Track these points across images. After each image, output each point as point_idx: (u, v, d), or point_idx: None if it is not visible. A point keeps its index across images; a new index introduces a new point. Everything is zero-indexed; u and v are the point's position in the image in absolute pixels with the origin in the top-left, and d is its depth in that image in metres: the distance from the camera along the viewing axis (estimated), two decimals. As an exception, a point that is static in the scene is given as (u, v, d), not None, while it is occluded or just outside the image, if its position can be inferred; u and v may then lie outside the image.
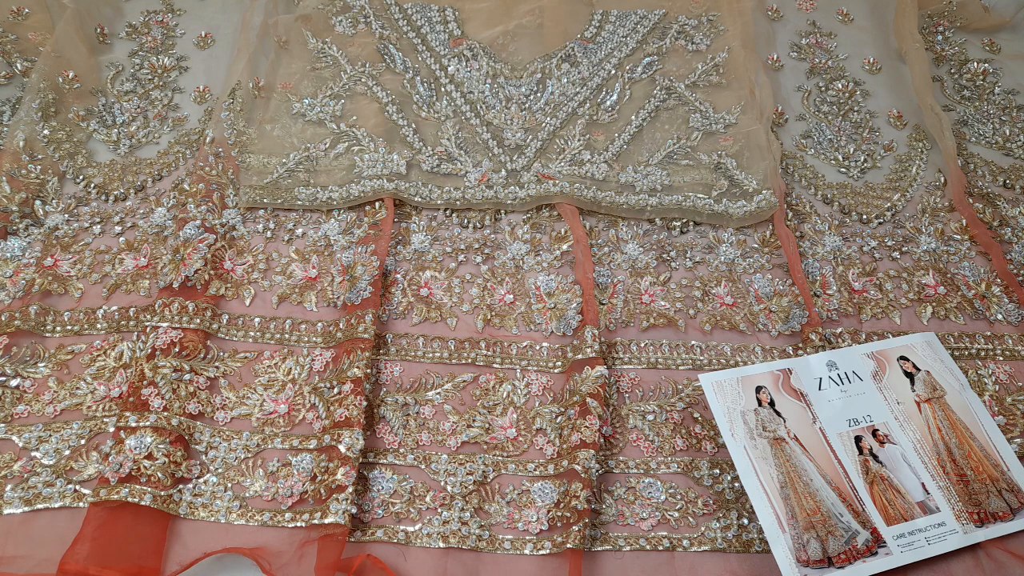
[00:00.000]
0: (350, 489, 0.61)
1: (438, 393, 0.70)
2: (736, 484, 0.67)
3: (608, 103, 0.92)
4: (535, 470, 0.66)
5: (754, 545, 0.64)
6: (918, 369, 0.72)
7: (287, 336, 0.72)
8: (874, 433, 0.68)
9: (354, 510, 0.62)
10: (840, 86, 0.97)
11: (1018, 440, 0.70)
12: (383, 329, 0.74)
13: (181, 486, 0.63)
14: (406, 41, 0.96)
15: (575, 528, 0.61)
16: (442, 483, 0.65)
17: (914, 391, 0.71)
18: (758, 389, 0.69)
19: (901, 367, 0.72)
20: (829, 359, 0.71)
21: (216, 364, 0.70)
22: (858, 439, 0.68)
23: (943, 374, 0.72)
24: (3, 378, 0.68)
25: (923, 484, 0.65)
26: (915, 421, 0.69)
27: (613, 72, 0.95)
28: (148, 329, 0.69)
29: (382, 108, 0.89)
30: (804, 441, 0.67)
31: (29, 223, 0.77)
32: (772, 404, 0.69)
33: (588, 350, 0.70)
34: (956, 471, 0.66)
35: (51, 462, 0.64)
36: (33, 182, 0.78)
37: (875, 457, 0.67)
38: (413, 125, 0.88)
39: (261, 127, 0.84)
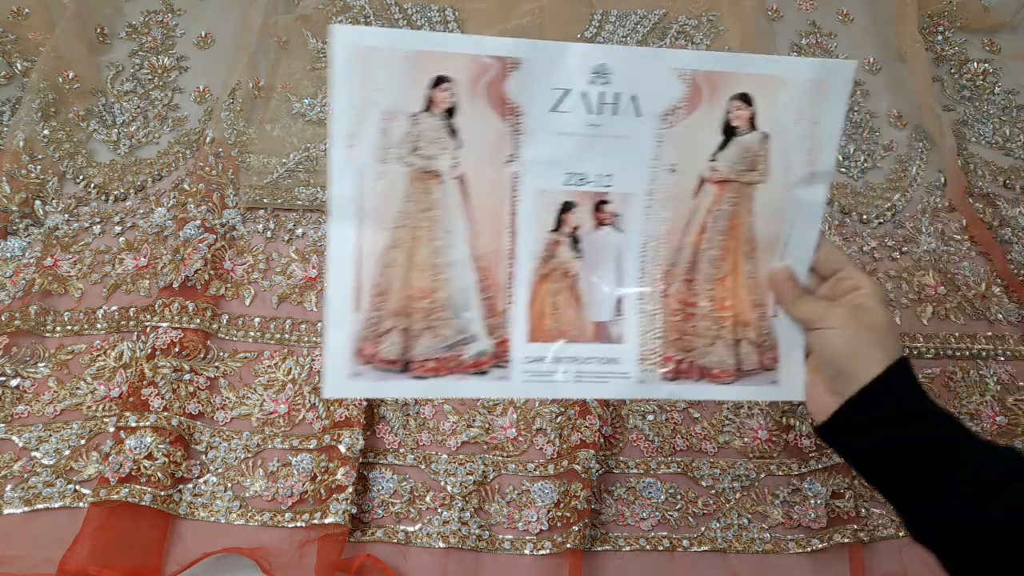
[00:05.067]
0: (350, 489, 0.61)
1: (438, 393, 0.70)
2: (736, 485, 0.66)
3: (608, 102, 0.91)
4: (535, 470, 0.66)
5: (755, 545, 0.64)
6: (755, 127, 0.44)
7: (287, 336, 0.72)
8: (598, 205, 0.43)
9: (354, 510, 0.62)
10: (840, 86, 0.97)
11: (1022, 439, 0.70)
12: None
13: (181, 486, 0.63)
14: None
15: (575, 528, 0.61)
16: (442, 483, 0.65)
17: (715, 158, 0.44)
18: (438, 82, 0.41)
19: (729, 111, 0.43)
20: (603, 63, 0.42)
21: (216, 364, 0.70)
22: (566, 207, 0.43)
23: (793, 150, 0.44)
24: (3, 378, 0.68)
25: (618, 300, 0.44)
26: (678, 206, 0.44)
27: (613, 71, 0.95)
28: (148, 329, 0.69)
29: (381, 107, 0.88)
30: (473, 187, 0.42)
31: (29, 223, 0.77)
32: (451, 114, 0.42)
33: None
34: (683, 295, 0.45)
35: (51, 462, 0.64)
36: (33, 182, 0.78)
37: (575, 241, 0.44)
38: (412, 124, 0.87)
39: (261, 127, 0.84)
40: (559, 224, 0.44)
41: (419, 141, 0.42)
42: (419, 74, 0.41)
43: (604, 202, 0.44)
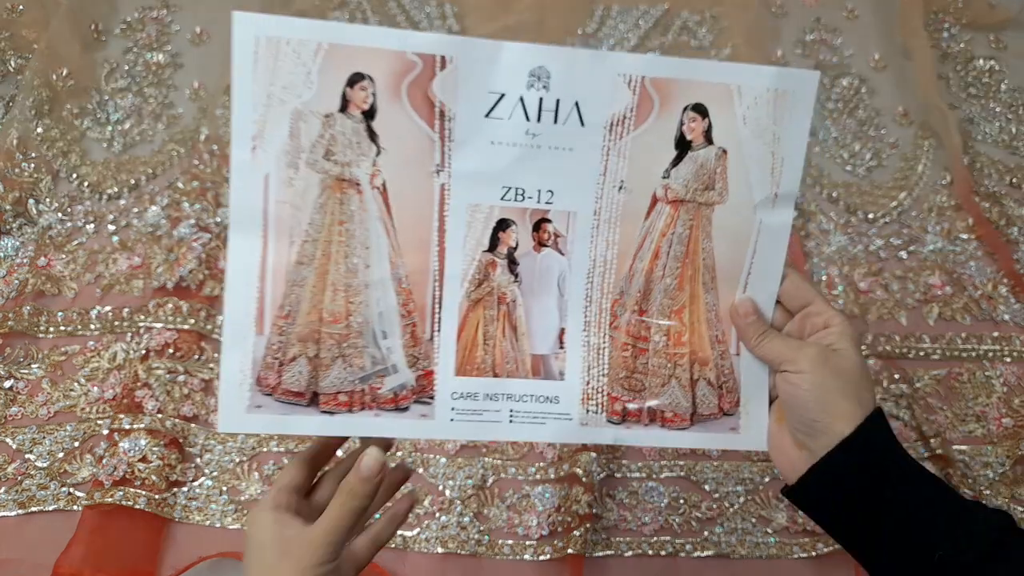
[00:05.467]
0: (347, 493, 0.60)
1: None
2: (740, 489, 0.65)
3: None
4: (535, 474, 0.65)
5: (759, 550, 0.63)
6: (711, 141, 0.39)
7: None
8: (538, 224, 0.39)
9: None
10: (845, 83, 0.96)
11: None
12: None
13: (176, 489, 0.63)
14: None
15: (576, 533, 0.60)
16: (440, 487, 0.64)
17: (668, 175, 0.40)
18: (354, 79, 0.37)
19: (683, 122, 0.39)
20: (542, 66, 0.37)
21: (211, 366, 0.69)
22: (503, 225, 0.39)
23: (753, 166, 0.39)
24: (-4, 380, 0.67)
25: (561, 331, 0.40)
26: (629, 228, 0.40)
27: (614, 68, 0.94)
28: (142, 330, 0.68)
29: (380, 105, 0.87)
30: (396, 199, 0.38)
31: (23, 222, 0.76)
32: (370, 116, 0.37)
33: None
34: (634, 328, 0.40)
35: (45, 464, 0.63)
36: (26, 181, 0.77)
37: (512, 263, 0.39)
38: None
39: (258, 125, 0.83)
40: (494, 244, 0.39)
41: (334, 145, 0.37)
42: (334, 70, 0.36)
43: (545, 220, 0.39)
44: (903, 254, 0.81)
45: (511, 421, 0.39)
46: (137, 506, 0.60)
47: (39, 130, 0.80)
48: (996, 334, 0.76)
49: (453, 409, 0.39)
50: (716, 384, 0.41)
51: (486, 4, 0.99)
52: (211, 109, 0.82)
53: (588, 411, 0.40)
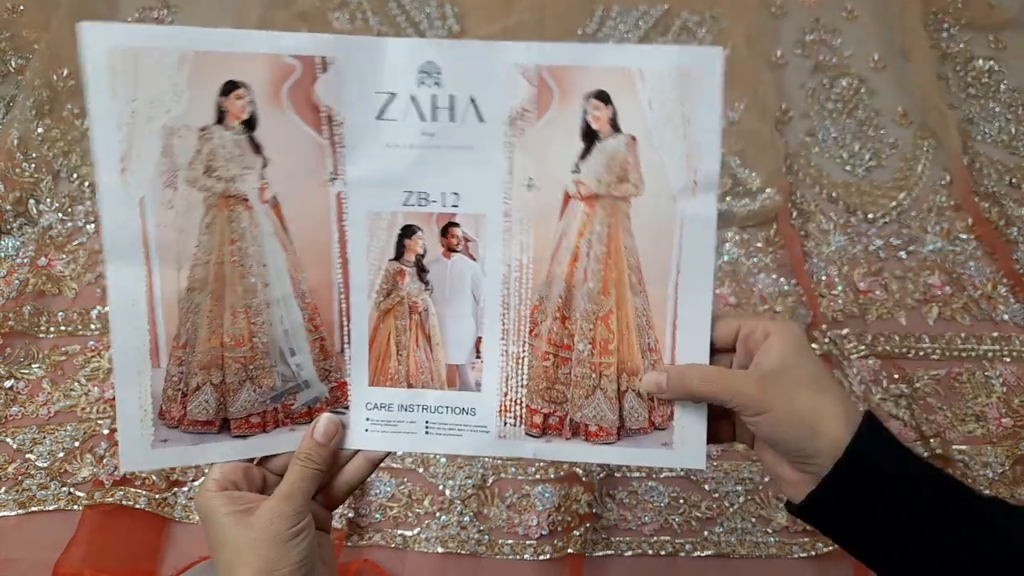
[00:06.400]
0: (347, 493, 0.60)
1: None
2: (739, 489, 0.66)
3: (609, 100, 0.90)
4: (535, 473, 0.65)
5: (759, 549, 0.63)
6: (618, 129, 0.37)
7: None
8: (446, 229, 0.37)
9: (351, 514, 0.61)
10: (845, 83, 0.96)
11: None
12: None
13: (176, 489, 0.63)
14: (404, 37, 0.95)
15: (576, 532, 0.60)
16: (440, 487, 0.64)
17: (577, 169, 0.37)
18: (228, 88, 0.35)
19: (586, 111, 0.37)
20: (431, 61, 0.36)
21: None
22: (407, 231, 0.37)
23: (666, 153, 0.37)
24: (-4, 380, 0.67)
25: (476, 340, 0.38)
26: (542, 228, 0.37)
27: (614, 69, 0.94)
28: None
29: (380, 105, 0.87)
30: (290, 212, 0.36)
31: (23, 222, 0.76)
32: (251, 126, 0.35)
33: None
34: (556, 336, 0.38)
35: (45, 464, 0.63)
36: (27, 181, 0.77)
37: (421, 271, 0.38)
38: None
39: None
40: (400, 251, 0.37)
41: (214, 160, 0.35)
42: (205, 80, 0.34)
43: (453, 224, 0.37)
44: (903, 254, 0.82)
45: (427, 432, 0.38)
46: (137, 506, 0.60)
47: (40, 130, 0.80)
48: (996, 334, 0.76)
49: (368, 420, 0.38)
50: (646, 396, 0.38)
51: (486, 4, 0.99)
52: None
53: (506, 423, 0.38)
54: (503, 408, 0.38)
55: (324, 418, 0.36)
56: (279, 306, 0.37)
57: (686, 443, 0.38)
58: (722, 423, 0.39)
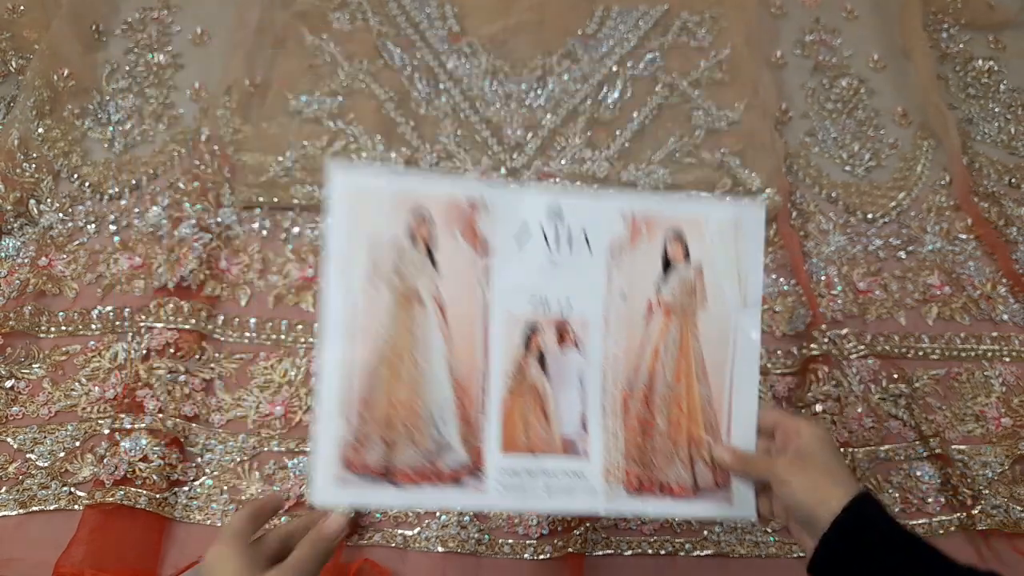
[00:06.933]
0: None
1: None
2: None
3: (609, 100, 0.91)
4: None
5: (758, 549, 0.63)
6: (689, 259, 0.49)
7: (283, 337, 0.72)
8: (560, 329, 0.48)
9: (352, 514, 0.61)
10: (845, 84, 0.96)
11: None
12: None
13: (176, 489, 0.63)
14: (404, 37, 0.95)
15: (576, 532, 0.60)
16: (441, 486, 0.65)
17: (661, 290, 0.49)
18: (420, 217, 0.47)
19: (666, 247, 0.49)
20: (556, 204, 0.48)
21: (212, 365, 0.69)
22: (533, 330, 0.48)
23: (723, 279, 0.49)
24: (-3, 379, 0.67)
25: (583, 416, 0.48)
26: (632, 331, 0.48)
27: (615, 69, 0.94)
28: (143, 330, 0.68)
29: (380, 105, 0.88)
30: (451, 311, 0.47)
31: (24, 222, 0.76)
32: (431, 245, 0.47)
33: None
34: (642, 414, 0.48)
35: (46, 464, 0.64)
36: (28, 181, 0.77)
37: (542, 361, 0.48)
38: (411, 122, 0.87)
39: (257, 125, 0.83)
40: (527, 345, 0.48)
41: (404, 268, 0.47)
42: (405, 210, 0.47)
43: (566, 324, 0.48)
44: (902, 254, 0.82)
45: (547, 493, 0.47)
46: (138, 506, 0.60)
47: (40, 130, 0.80)
48: (995, 334, 0.76)
49: (500, 483, 0.47)
50: (711, 463, 0.48)
51: (486, 4, 0.99)
52: (212, 109, 0.83)
53: (610, 484, 0.48)
54: (606, 471, 0.48)
55: (334, 518, 0.43)
56: (437, 383, 0.47)
57: (743, 499, 0.48)
58: (761, 499, 0.48)
